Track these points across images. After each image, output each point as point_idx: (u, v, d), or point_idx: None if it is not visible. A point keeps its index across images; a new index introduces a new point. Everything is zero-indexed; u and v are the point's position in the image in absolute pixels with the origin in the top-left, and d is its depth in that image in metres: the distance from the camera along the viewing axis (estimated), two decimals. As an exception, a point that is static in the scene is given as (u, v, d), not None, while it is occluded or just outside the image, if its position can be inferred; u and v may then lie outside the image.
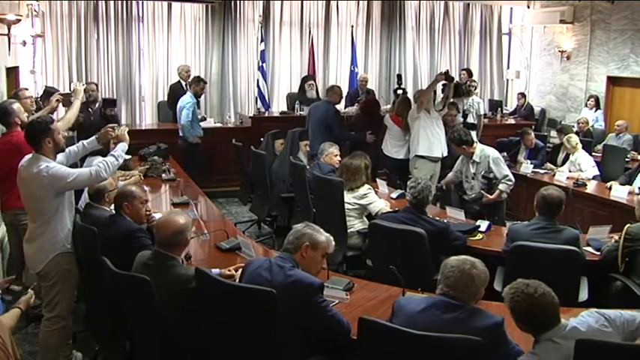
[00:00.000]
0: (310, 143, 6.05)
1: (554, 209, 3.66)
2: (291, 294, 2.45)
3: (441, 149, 6.24)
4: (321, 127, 6.66)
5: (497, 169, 5.12)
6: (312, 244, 2.67)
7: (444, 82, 7.07)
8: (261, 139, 6.66)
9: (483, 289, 2.34)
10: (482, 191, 5.16)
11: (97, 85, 7.22)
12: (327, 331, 2.57)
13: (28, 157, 3.28)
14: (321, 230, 2.76)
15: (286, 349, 2.47)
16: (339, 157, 5.34)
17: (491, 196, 5.10)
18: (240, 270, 2.98)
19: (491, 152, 5.22)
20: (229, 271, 3.14)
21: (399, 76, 8.92)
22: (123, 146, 3.44)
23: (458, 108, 7.08)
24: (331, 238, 2.78)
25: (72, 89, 4.45)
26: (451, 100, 6.88)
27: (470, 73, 9.23)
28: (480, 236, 4.16)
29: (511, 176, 5.15)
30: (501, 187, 5.09)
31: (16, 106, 4.09)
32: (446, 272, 2.33)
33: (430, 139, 6.21)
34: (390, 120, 6.61)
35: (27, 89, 5.14)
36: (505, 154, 6.75)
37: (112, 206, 3.66)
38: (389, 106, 8.27)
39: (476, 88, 8.42)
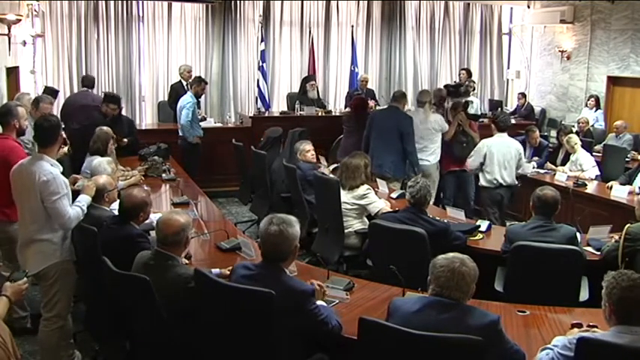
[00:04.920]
0: (376, 153, 5.78)
1: (550, 209, 3.66)
2: (285, 301, 2.41)
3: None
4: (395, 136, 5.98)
5: None
6: (297, 238, 2.62)
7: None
8: (261, 138, 6.66)
9: (474, 284, 2.33)
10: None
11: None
12: (319, 333, 2.56)
13: (28, 157, 3.32)
14: (288, 218, 2.65)
15: (284, 349, 2.47)
16: (312, 152, 5.44)
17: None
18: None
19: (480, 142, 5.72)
20: (229, 271, 3.14)
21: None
22: (87, 199, 3.41)
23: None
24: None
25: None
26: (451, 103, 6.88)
27: (469, 73, 9.23)
28: (480, 236, 4.16)
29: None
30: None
31: (21, 109, 3.95)
32: (436, 272, 2.31)
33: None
34: None
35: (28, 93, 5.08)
36: None
37: (112, 205, 3.67)
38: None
39: (474, 89, 8.40)
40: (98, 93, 8.42)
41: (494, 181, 5.45)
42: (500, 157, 5.41)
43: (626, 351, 2.06)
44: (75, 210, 3.26)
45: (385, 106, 6.69)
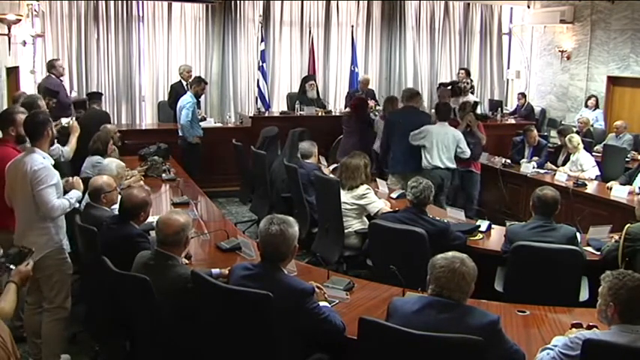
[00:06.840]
0: (405, 153, 6.02)
1: (550, 209, 3.66)
2: (285, 300, 2.41)
3: None
4: None
5: None
6: (296, 239, 2.62)
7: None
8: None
9: (474, 284, 2.33)
10: None
11: None
12: (320, 332, 2.56)
13: (22, 153, 3.34)
14: (288, 219, 2.63)
15: (284, 349, 2.47)
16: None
17: None
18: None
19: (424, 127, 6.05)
20: (229, 271, 3.14)
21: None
22: (77, 194, 3.46)
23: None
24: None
25: (68, 124, 4.36)
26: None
27: (468, 73, 9.22)
28: (480, 236, 4.16)
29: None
30: None
31: (20, 117, 3.58)
32: (436, 273, 2.30)
33: None
34: None
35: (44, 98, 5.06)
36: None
37: (112, 207, 3.66)
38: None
39: (472, 88, 8.39)
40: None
41: (433, 163, 5.90)
42: (439, 142, 5.89)
43: (628, 350, 2.07)
44: (60, 201, 3.28)
45: (400, 107, 6.65)
